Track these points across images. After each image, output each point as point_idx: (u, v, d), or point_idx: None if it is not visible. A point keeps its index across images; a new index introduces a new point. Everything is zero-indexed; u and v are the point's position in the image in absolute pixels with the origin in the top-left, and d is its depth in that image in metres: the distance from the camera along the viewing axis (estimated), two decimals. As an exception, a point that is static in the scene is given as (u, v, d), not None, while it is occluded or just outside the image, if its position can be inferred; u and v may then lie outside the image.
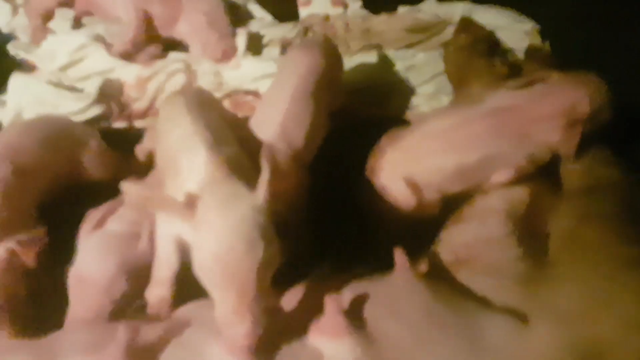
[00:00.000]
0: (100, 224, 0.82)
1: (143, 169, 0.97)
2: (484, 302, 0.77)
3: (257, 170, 0.70)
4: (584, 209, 0.86)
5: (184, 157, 0.75)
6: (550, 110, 0.87)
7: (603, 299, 0.73)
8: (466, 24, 1.20)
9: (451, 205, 0.93)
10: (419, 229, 0.92)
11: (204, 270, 0.64)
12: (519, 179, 0.89)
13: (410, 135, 0.93)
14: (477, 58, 1.12)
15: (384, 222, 0.95)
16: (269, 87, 0.98)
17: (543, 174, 0.93)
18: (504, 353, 0.70)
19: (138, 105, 1.14)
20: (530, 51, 1.14)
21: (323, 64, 0.98)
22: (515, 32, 1.21)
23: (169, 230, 0.76)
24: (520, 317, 0.73)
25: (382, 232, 0.94)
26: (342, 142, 1.01)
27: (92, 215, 0.84)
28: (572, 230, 0.83)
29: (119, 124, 1.12)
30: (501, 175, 0.88)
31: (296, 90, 0.92)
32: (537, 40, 1.21)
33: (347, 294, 0.71)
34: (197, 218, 0.66)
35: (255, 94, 1.16)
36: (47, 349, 0.72)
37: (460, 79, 1.11)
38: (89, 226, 0.82)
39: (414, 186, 0.88)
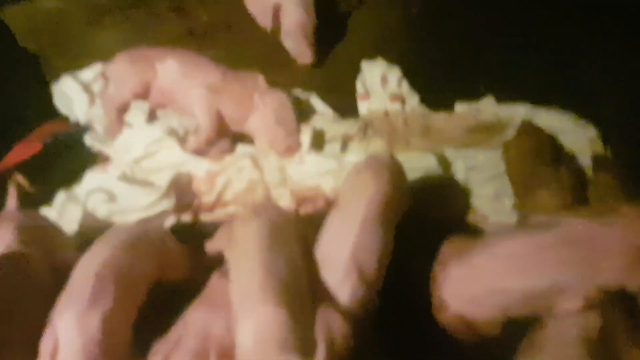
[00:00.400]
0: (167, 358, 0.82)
1: (214, 264, 0.98)
2: None
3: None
4: None
5: (240, 313, 0.80)
6: (620, 247, 0.88)
7: None
8: (528, 128, 1.22)
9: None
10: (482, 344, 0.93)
11: None
12: (589, 308, 0.88)
13: (477, 253, 0.94)
14: (541, 164, 1.14)
15: (445, 335, 0.94)
16: (335, 211, 0.99)
17: (616, 299, 0.92)
18: None
19: (206, 199, 1.17)
20: (597, 162, 1.14)
21: (391, 187, 1.00)
22: (578, 137, 1.21)
23: None
24: None
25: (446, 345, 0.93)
26: (401, 243, 1.00)
27: (159, 349, 0.84)
28: None
29: (187, 217, 1.15)
30: (570, 304, 0.88)
31: (365, 218, 0.94)
32: (599, 146, 1.21)
33: None
34: None
35: (318, 189, 1.18)
36: None
37: (524, 186, 1.12)
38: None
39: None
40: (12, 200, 1.09)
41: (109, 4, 1.51)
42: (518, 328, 0.92)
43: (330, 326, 0.76)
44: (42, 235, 0.99)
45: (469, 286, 0.91)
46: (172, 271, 0.97)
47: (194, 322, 0.85)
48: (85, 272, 0.87)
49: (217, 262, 0.99)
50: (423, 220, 1.10)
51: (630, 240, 0.88)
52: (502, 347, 0.91)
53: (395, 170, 1.05)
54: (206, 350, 0.81)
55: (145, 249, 0.93)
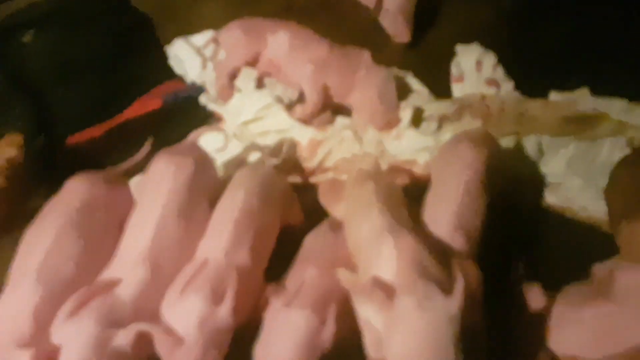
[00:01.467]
0: (287, 302, 0.83)
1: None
2: None
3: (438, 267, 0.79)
4: None
5: (375, 250, 0.83)
6: None
7: None
8: None
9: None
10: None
11: None
12: None
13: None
14: None
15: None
16: (436, 180, 1.02)
17: None
18: None
19: (308, 165, 1.23)
20: None
21: (489, 158, 1.03)
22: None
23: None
24: None
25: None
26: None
27: (278, 291, 0.86)
28: None
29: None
30: None
31: (468, 182, 0.97)
32: None
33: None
34: (393, 314, 0.72)
35: (414, 163, 1.22)
36: None
37: (623, 206, 1.04)
38: (278, 303, 0.84)
39: None
40: (141, 154, 1.13)
41: None
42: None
43: (464, 268, 0.78)
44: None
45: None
46: (293, 218, 1.02)
47: (307, 275, 0.87)
48: (223, 218, 0.92)
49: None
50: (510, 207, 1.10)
51: None
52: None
53: (492, 144, 1.09)
54: (326, 300, 0.82)
55: (275, 195, 0.99)
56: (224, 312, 0.78)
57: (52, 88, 1.25)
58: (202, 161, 1.03)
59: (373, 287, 0.77)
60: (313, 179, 1.22)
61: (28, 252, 0.90)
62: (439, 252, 0.86)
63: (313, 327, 0.78)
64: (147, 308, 0.82)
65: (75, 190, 0.97)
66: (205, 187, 0.99)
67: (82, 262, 0.89)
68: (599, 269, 0.93)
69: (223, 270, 0.83)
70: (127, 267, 0.86)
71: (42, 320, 0.82)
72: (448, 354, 0.69)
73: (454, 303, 0.72)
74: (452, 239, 0.92)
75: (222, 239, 0.88)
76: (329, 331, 0.78)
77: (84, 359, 0.75)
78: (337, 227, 1.00)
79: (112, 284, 0.84)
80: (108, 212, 0.97)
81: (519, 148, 1.23)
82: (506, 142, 1.24)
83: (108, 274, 0.88)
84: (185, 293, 0.80)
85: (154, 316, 0.82)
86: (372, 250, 0.84)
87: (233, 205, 0.93)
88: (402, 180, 1.18)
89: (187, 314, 0.78)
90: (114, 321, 0.79)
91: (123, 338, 0.77)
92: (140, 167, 1.12)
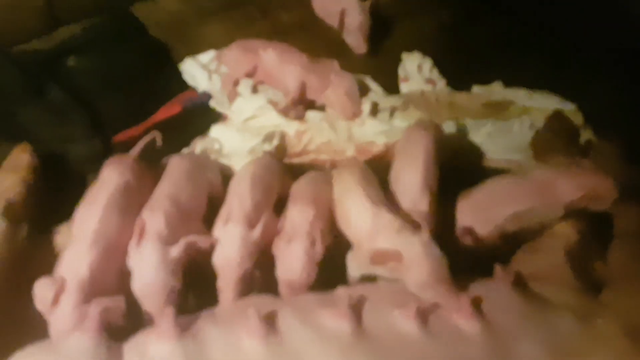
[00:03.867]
0: (288, 240, 1.12)
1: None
2: (551, 304, 1.04)
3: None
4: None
5: (363, 220, 1.11)
6: (573, 189, 1.21)
7: None
8: (558, 115, 1.52)
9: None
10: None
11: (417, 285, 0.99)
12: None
13: (481, 191, 1.28)
14: (557, 141, 1.46)
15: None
16: (401, 156, 1.32)
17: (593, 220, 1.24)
18: (572, 338, 0.94)
19: (294, 150, 1.50)
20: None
21: (438, 139, 1.35)
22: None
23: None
24: (578, 312, 1.00)
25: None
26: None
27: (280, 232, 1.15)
28: (624, 262, 1.12)
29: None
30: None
31: (426, 156, 1.27)
32: (579, 122, 1.53)
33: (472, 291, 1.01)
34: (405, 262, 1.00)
35: (373, 144, 1.51)
36: None
37: (542, 152, 1.44)
38: (282, 242, 1.13)
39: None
40: (137, 149, 1.32)
41: (213, 6, 1.84)
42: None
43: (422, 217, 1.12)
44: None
45: (483, 212, 1.23)
46: (286, 189, 1.27)
47: (298, 217, 1.17)
48: (242, 186, 1.21)
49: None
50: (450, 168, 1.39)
51: (580, 184, 1.21)
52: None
53: (437, 129, 1.40)
54: (313, 228, 1.12)
55: (273, 171, 1.29)
56: (256, 234, 1.09)
57: (95, 100, 1.48)
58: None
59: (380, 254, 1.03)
60: (299, 160, 1.49)
61: (84, 219, 1.10)
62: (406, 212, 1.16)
63: (308, 250, 1.08)
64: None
65: (114, 173, 1.20)
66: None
67: (121, 228, 1.11)
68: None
69: (251, 212, 1.14)
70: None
71: (95, 269, 1.02)
72: (441, 266, 1.00)
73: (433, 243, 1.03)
74: (421, 195, 1.20)
75: (247, 196, 1.17)
76: (318, 249, 1.09)
77: (153, 269, 1.02)
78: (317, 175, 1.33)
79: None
80: (136, 189, 1.21)
81: (456, 130, 1.55)
82: (447, 125, 1.53)
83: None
84: (227, 223, 1.11)
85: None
86: (359, 222, 1.12)
87: (247, 176, 1.23)
88: (364, 157, 1.53)
89: (230, 234, 1.09)
90: (167, 242, 1.06)
91: (176, 250, 1.05)
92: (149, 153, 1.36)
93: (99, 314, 0.89)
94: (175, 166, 1.26)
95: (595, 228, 1.26)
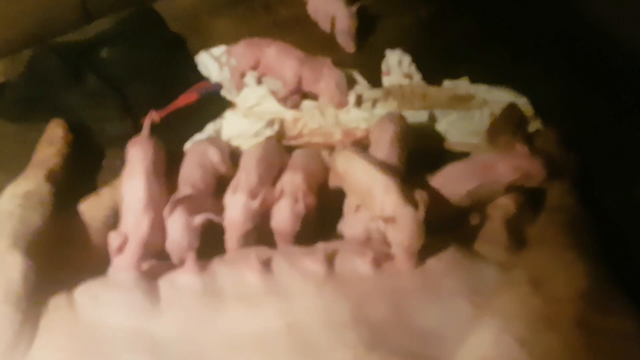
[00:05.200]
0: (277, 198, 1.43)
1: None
2: (481, 256, 1.27)
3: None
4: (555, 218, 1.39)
5: (373, 190, 1.30)
6: (507, 170, 1.45)
7: (554, 268, 1.14)
8: (511, 107, 1.77)
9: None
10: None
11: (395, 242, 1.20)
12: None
13: (442, 174, 1.51)
14: (508, 128, 1.70)
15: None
16: (375, 139, 1.58)
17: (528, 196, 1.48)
18: (489, 282, 1.16)
19: (291, 134, 1.74)
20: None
21: (400, 127, 1.59)
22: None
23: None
24: (503, 266, 1.23)
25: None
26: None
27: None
28: (544, 228, 1.35)
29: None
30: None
31: (393, 138, 1.52)
32: (530, 113, 1.77)
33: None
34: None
35: (358, 129, 1.76)
36: None
37: (494, 136, 1.69)
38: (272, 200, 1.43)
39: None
40: (145, 131, 1.53)
41: (220, 2, 2.08)
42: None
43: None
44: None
45: (444, 190, 1.47)
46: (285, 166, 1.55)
47: (287, 181, 1.44)
48: (250, 162, 1.48)
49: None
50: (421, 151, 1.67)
51: (516, 166, 1.45)
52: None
53: (403, 120, 1.63)
54: (299, 190, 1.40)
55: (275, 151, 1.58)
56: (256, 204, 1.33)
57: (125, 86, 1.72)
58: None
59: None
60: (295, 142, 1.73)
61: (133, 191, 1.33)
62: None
63: (292, 206, 1.36)
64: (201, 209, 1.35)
65: (140, 151, 1.44)
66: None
67: (160, 192, 1.36)
68: None
69: (254, 186, 1.39)
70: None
71: (150, 227, 1.28)
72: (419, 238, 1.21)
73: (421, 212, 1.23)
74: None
75: (252, 172, 1.43)
76: (300, 206, 1.35)
77: (180, 232, 1.28)
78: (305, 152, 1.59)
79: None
80: (160, 160, 1.46)
81: (423, 117, 1.80)
82: (415, 114, 1.79)
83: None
84: (235, 193, 1.36)
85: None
86: (371, 192, 1.31)
87: (254, 156, 1.50)
88: (349, 140, 1.83)
89: (236, 202, 1.35)
90: (191, 213, 1.31)
91: (197, 220, 1.30)
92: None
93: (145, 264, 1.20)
94: (189, 153, 1.55)
95: (530, 200, 1.50)
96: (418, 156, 1.60)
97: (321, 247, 1.24)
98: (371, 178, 1.33)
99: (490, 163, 1.49)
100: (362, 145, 1.65)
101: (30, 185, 1.32)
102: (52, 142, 1.53)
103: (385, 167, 1.38)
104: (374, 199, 1.30)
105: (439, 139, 1.80)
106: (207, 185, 1.45)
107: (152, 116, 1.60)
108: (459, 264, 1.20)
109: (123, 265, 1.19)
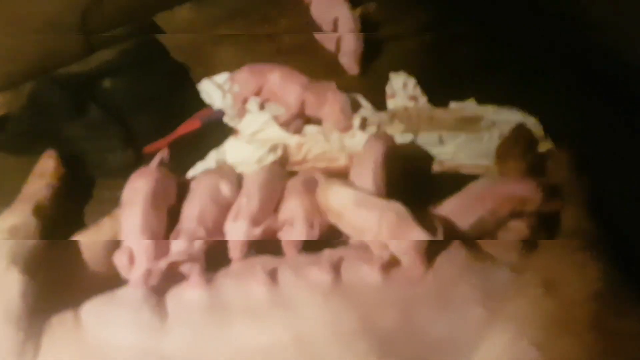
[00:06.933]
0: (281, 226, 1.35)
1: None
2: (494, 259, 1.20)
3: None
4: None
5: (368, 215, 1.23)
6: (503, 198, 1.35)
7: (566, 269, 1.11)
8: (520, 127, 1.71)
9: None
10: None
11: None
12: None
13: (443, 208, 1.39)
14: (517, 149, 1.63)
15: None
16: (358, 160, 1.52)
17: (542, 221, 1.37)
18: (501, 286, 1.10)
19: (295, 159, 1.70)
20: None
21: (389, 147, 1.53)
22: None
23: None
24: (515, 268, 1.16)
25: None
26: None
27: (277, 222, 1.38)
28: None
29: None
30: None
31: (377, 161, 1.45)
32: (540, 133, 1.71)
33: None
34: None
35: None
36: None
37: (503, 157, 1.63)
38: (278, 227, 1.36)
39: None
40: (154, 163, 1.47)
41: (222, 13, 2.08)
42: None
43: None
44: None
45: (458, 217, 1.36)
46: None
47: (296, 207, 1.37)
48: (253, 186, 1.43)
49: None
50: (428, 174, 1.67)
51: (505, 194, 1.35)
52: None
53: (389, 138, 1.59)
54: (312, 222, 1.32)
55: (278, 176, 1.53)
56: (257, 232, 1.28)
57: (127, 116, 1.69)
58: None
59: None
60: (299, 168, 1.69)
61: (130, 218, 1.27)
62: None
63: (308, 231, 1.29)
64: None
65: (141, 182, 1.37)
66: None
67: (157, 220, 1.30)
68: None
69: (257, 212, 1.33)
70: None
71: (150, 244, 1.22)
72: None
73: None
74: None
75: (254, 197, 1.37)
76: (316, 231, 1.29)
77: (186, 250, 1.22)
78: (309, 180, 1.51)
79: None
80: (161, 191, 1.39)
81: (430, 139, 1.76)
82: (422, 136, 1.77)
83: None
84: (236, 220, 1.30)
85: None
86: (367, 218, 1.24)
87: (258, 178, 1.46)
88: None
89: (237, 229, 1.29)
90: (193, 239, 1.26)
91: (198, 244, 1.24)
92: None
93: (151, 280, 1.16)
94: (200, 186, 1.48)
95: (544, 223, 1.39)
96: (424, 180, 1.59)
97: (327, 254, 1.20)
98: (364, 204, 1.28)
99: (483, 194, 1.40)
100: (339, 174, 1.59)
101: (16, 219, 1.29)
102: (42, 175, 1.49)
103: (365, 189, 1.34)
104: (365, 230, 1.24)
105: (447, 161, 1.75)
106: (218, 225, 1.39)
107: (161, 150, 1.57)
108: (470, 268, 1.15)
109: (138, 276, 1.15)
